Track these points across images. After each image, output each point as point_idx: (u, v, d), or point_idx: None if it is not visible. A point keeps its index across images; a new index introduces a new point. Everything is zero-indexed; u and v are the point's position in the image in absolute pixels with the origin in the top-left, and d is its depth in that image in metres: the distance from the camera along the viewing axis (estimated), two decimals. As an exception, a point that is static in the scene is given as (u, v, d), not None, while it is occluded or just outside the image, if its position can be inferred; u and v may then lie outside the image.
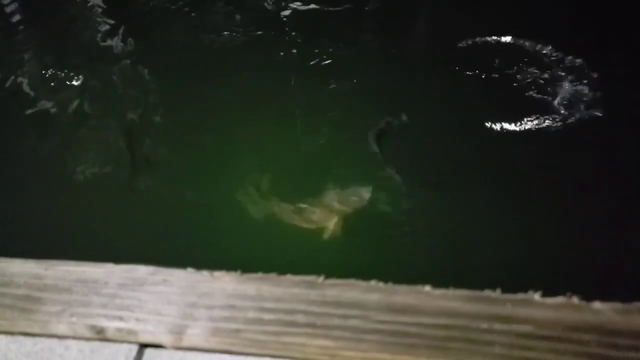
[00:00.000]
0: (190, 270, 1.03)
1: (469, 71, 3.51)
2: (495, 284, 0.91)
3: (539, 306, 0.87)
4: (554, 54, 3.53)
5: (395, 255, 2.64)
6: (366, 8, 4.06)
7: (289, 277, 0.98)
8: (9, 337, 0.99)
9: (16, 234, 2.82)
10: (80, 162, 3.27)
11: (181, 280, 1.01)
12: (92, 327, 0.97)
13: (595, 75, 3.37)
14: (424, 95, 3.37)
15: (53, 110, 3.62)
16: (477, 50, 3.63)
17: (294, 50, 3.80)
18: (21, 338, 0.98)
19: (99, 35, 4.15)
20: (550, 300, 0.87)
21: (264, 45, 3.89)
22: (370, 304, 0.91)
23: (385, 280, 0.94)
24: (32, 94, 3.76)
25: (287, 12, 4.06)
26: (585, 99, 3.26)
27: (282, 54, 3.78)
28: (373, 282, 0.94)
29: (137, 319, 0.97)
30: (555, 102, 3.27)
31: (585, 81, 3.36)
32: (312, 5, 4.07)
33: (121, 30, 4.13)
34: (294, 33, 3.91)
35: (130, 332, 0.96)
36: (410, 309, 0.90)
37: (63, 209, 3.01)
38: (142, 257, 1.12)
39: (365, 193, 2.92)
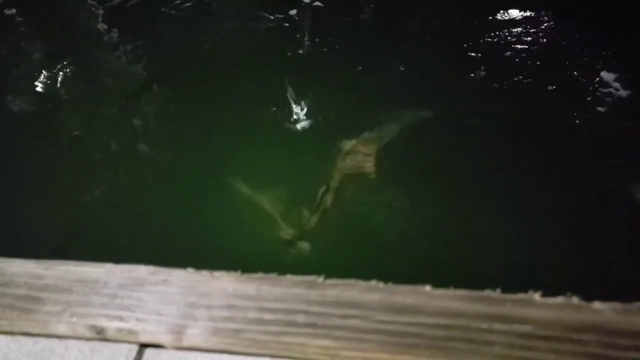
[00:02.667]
0: (190, 270, 1.03)
1: (475, 70, 3.50)
2: (495, 284, 0.91)
3: (539, 306, 0.86)
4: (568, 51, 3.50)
5: (395, 255, 2.64)
6: (372, 5, 4.05)
7: (289, 277, 0.98)
8: (9, 337, 0.99)
9: (16, 234, 2.82)
10: (80, 162, 3.27)
11: (181, 280, 1.01)
12: (92, 327, 0.97)
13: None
14: (426, 94, 3.36)
15: (51, 110, 3.62)
16: (483, 49, 3.61)
17: (300, 51, 3.78)
18: (21, 338, 0.98)
19: (95, 32, 4.14)
20: (550, 300, 0.87)
21: (265, 43, 3.88)
22: (370, 304, 0.91)
23: (385, 280, 0.94)
24: (29, 93, 3.76)
25: (293, 11, 4.04)
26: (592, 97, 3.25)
27: (288, 53, 3.77)
28: (373, 282, 0.94)
29: (137, 319, 0.97)
30: (561, 100, 3.25)
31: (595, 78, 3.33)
32: (317, 3, 4.06)
33: (118, 28, 4.13)
34: (299, 31, 3.90)
35: (130, 332, 0.96)
36: (410, 309, 0.90)
37: (63, 209, 3.02)
38: (142, 257, 1.12)
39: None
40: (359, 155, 3.07)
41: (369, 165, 3.01)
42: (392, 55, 3.66)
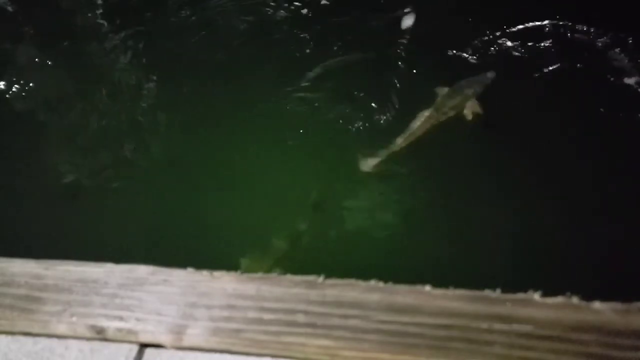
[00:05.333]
0: (190, 270, 1.03)
1: (482, 69, 3.49)
2: (495, 284, 0.91)
3: (539, 306, 0.87)
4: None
5: (395, 255, 2.64)
6: (381, 2, 4.01)
7: (289, 277, 0.98)
8: (9, 337, 0.99)
9: (16, 234, 2.82)
10: (80, 162, 3.27)
11: (181, 280, 1.01)
12: (92, 327, 0.97)
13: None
14: (427, 95, 3.35)
15: (51, 109, 3.62)
16: (488, 48, 3.59)
17: (307, 50, 3.76)
18: (21, 338, 0.98)
19: (94, 29, 4.12)
20: (550, 300, 0.87)
21: (266, 43, 3.87)
22: (370, 304, 0.91)
23: (385, 280, 0.94)
24: (27, 93, 3.76)
25: (304, 10, 4.00)
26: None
27: (297, 54, 3.74)
28: (373, 282, 0.94)
29: (137, 319, 0.97)
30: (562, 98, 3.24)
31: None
32: (324, 2, 4.03)
33: (119, 26, 4.12)
34: (303, 31, 3.87)
35: (130, 332, 0.96)
36: (410, 309, 0.90)
37: (63, 209, 3.02)
38: (142, 257, 1.12)
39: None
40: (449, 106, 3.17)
41: (470, 105, 3.13)
42: (398, 55, 3.64)
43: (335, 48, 3.73)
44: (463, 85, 3.24)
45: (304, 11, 3.98)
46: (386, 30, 3.80)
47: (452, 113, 3.13)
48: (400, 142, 3.02)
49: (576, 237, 2.59)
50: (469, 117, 3.12)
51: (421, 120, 3.09)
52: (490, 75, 3.25)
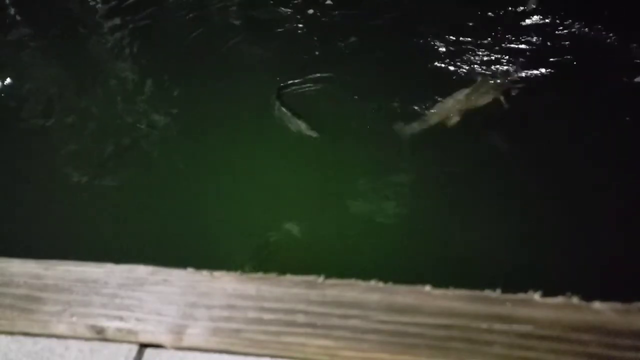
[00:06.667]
0: (190, 270, 1.03)
1: (473, 69, 3.49)
2: (495, 284, 0.91)
3: (539, 306, 0.86)
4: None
5: (395, 255, 2.65)
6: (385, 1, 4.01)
7: (289, 277, 0.98)
8: (9, 337, 0.99)
9: (16, 234, 2.82)
10: (80, 162, 3.27)
11: (181, 280, 1.01)
12: (92, 327, 0.97)
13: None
14: (425, 97, 3.35)
15: (50, 110, 3.62)
16: (492, 44, 3.58)
17: (316, 53, 3.75)
18: (21, 338, 0.98)
19: (96, 28, 4.12)
20: (550, 300, 0.87)
21: (267, 44, 3.87)
22: (370, 304, 0.91)
23: (385, 280, 0.94)
24: (26, 93, 3.76)
25: (310, 10, 4.00)
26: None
27: (304, 56, 3.73)
28: (373, 282, 0.94)
29: (137, 319, 0.97)
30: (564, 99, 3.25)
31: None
32: (327, 1, 4.03)
33: (117, 25, 4.12)
34: (306, 30, 3.87)
35: (130, 332, 0.96)
36: (410, 309, 0.90)
37: (63, 209, 3.02)
38: (142, 257, 1.12)
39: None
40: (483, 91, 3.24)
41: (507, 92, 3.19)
42: (402, 54, 3.64)
43: (339, 46, 3.74)
44: (501, 74, 3.33)
45: (310, 11, 3.98)
46: (387, 29, 3.81)
47: (487, 98, 3.20)
48: (433, 116, 3.11)
49: (576, 237, 2.59)
50: (506, 104, 3.18)
51: (458, 98, 3.16)
52: (520, 70, 3.33)
